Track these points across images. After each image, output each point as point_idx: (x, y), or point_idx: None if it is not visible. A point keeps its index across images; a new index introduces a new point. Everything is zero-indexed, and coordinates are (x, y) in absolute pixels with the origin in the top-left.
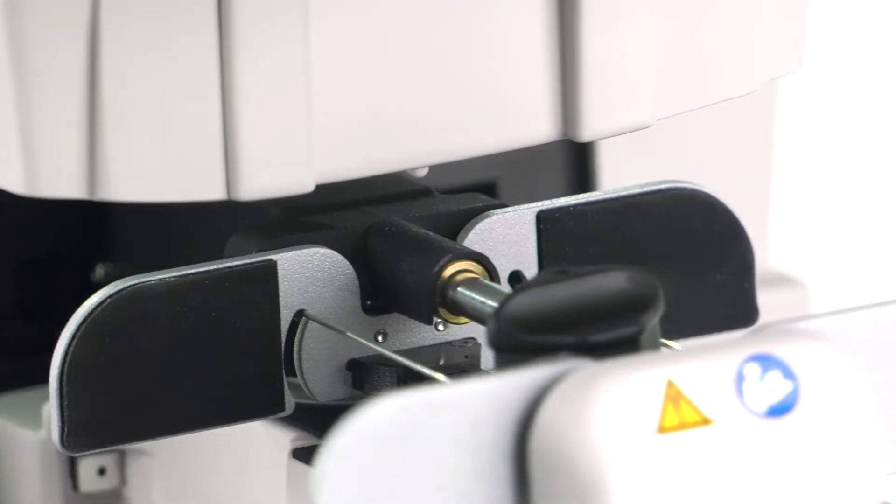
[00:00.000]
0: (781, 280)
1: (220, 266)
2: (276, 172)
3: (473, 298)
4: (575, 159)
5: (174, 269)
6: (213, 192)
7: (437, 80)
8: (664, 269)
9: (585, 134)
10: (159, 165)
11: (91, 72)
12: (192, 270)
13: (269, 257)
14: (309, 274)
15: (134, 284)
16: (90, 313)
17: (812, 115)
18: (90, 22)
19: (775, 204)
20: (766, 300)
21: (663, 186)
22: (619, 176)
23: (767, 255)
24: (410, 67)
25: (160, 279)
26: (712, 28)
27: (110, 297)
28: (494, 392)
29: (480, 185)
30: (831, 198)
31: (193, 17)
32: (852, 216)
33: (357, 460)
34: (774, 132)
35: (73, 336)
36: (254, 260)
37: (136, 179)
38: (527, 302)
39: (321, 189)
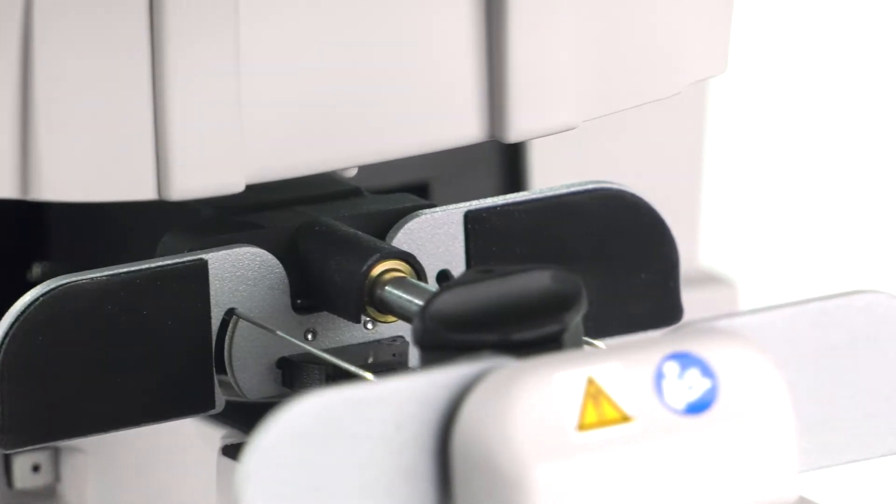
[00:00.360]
0: (711, 279)
1: (152, 265)
2: (206, 173)
3: (400, 297)
4: (506, 160)
5: (106, 268)
6: (144, 192)
7: (365, 82)
8: (590, 269)
9: (512, 135)
10: (91, 166)
11: (24, 72)
12: (124, 269)
13: (200, 256)
14: (239, 273)
15: (65, 283)
16: (22, 312)
17: (743, 115)
18: (23, 23)
19: (708, 204)
20: (696, 299)
21: (589, 187)
22: (550, 177)
23: (698, 255)
24: (340, 68)
25: (91, 278)
26: (637, 31)
27: (42, 295)
28: (417, 390)
29: (413, 186)
30: (764, 197)
31: (125, 19)
32: (785, 216)
33: (281, 457)
34: (705, 133)
35: (6, 335)
36: (185, 259)
37: (69, 179)
38: (451, 301)
39: (252, 189)
